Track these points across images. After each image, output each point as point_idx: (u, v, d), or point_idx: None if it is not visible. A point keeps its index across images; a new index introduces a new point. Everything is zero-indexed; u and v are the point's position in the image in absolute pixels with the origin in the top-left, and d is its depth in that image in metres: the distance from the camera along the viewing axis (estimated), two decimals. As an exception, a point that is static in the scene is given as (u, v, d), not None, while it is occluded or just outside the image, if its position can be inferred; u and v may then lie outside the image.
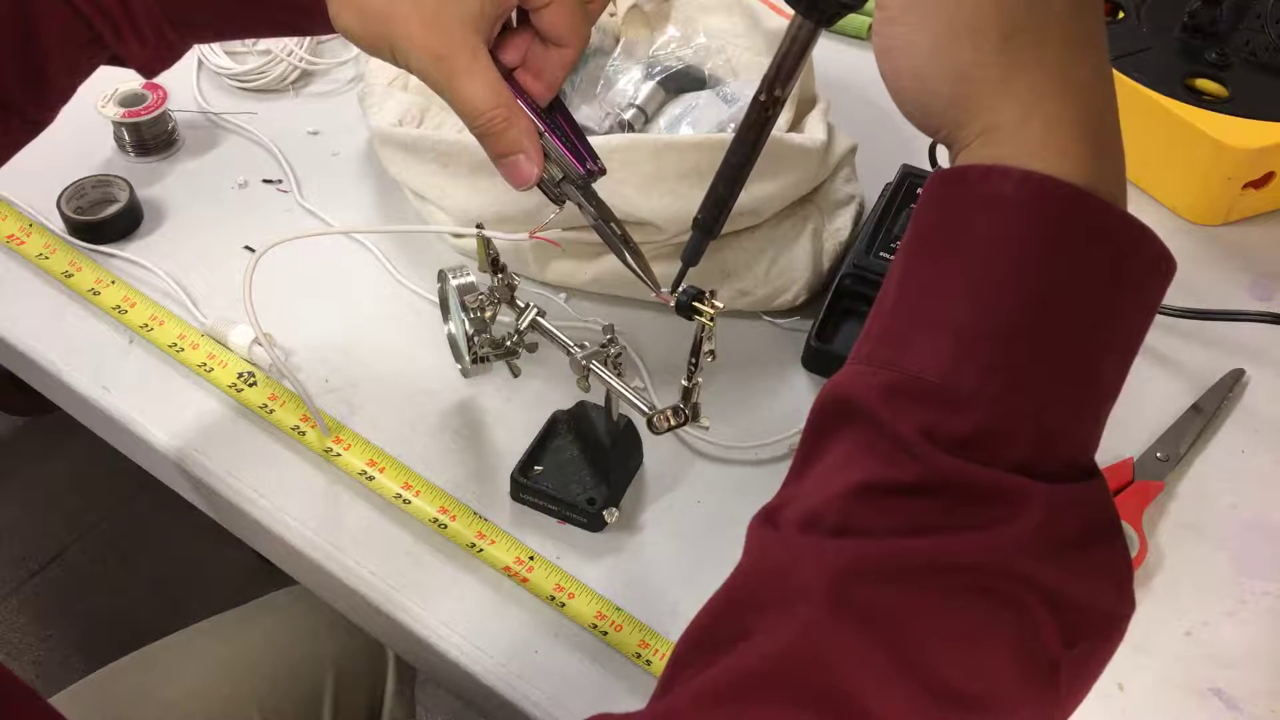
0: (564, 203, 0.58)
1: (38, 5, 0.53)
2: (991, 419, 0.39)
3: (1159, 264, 0.41)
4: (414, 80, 0.86)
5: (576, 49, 0.55)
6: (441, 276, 0.70)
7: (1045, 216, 0.39)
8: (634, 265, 0.59)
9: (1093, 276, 0.40)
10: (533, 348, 0.69)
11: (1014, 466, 0.39)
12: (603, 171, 0.58)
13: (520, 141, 0.54)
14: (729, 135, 0.74)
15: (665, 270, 0.75)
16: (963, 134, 0.41)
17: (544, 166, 0.55)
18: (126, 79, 0.79)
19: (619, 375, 0.66)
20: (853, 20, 1.03)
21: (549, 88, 0.56)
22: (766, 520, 0.43)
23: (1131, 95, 0.86)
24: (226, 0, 0.56)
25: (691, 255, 0.55)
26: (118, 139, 0.89)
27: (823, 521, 0.40)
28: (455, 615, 0.65)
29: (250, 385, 0.74)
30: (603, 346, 0.66)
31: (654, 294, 0.59)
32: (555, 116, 0.57)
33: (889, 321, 0.42)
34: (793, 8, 0.46)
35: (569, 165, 0.57)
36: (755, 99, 0.49)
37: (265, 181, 0.88)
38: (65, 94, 0.59)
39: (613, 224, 0.59)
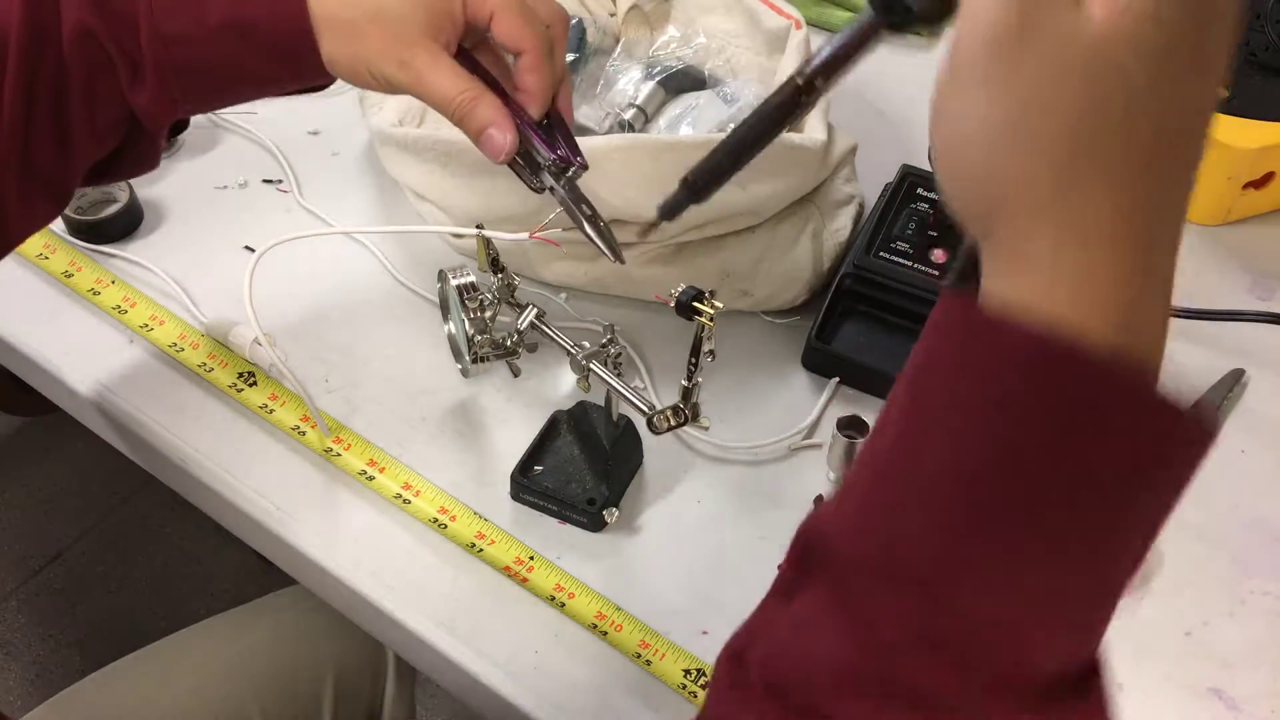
0: (543, 190, 0.62)
1: (74, 55, 0.57)
2: (975, 626, 0.35)
3: (1195, 438, 0.34)
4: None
5: (535, 52, 0.60)
6: (441, 276, 0.70)
7: (1058, 396, 0.33)
8: (597, 241, 0.61)
9: (1111, 469, 0.33)
10: (533, 348, 0.69)
11: (994, 678, 0.35)
12: (583, 167, 0.62)
13: (490, 115, 0.59)
14: (729, 135, 0.74)
15: (664, 270, 0.76)
16: (987, 242, 0.36)
17: (516, 140, 0.60)
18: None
19: (619, 375, 0.66)
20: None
21: (537, 98, 0.61)
22: (735, 659, 0.40)
23: (1131, 95, 0.86)
24: (224, 52, 0.59)
25: (669, 211, 0.51)
26: (118, 139, 0.89)
27: (790, 695, 0.37)
28: (455, 615, 0.65)
29: (250, 385, 0.74)
30: (603, 346, 0.66)
31: (614, 260, 0.61)
32: (548, 124, 0.62)
33: (881, 485, 0.37)
34: (870, 4, 0.43)
35: (540, 151, 0.61)
36: (792, 80, 0.45)
37: (265, 181, 0.88)
38: (84, 157, 0.61)
39: (584, 205, 0.62)
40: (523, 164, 0.62)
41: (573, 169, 0.61)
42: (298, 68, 0.60)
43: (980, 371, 0.34)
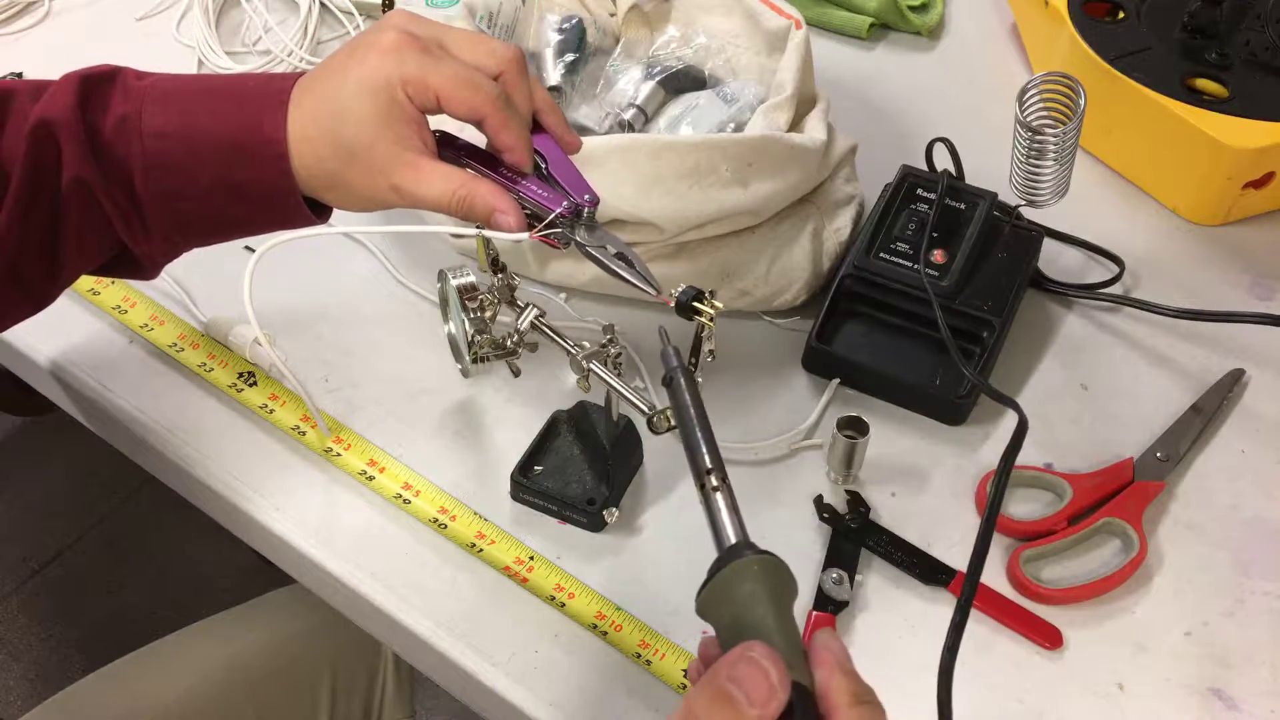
0: (568, 243, 0.61)
1: (71, 201, 0.59)
2: None
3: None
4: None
5: (494, 113, 0.58)
6: (441, 276, 0.70)
7: None
8: (632, 280, 0.60)
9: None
10: (533, 348, 0.69)
11: None
12: (594, 204, 0.60)
13: (488, 200, 0.59)
14: (729, 135, 0.74)
15: (664, 270, 0.76)
16: None
17: (521, 213, 0.59)
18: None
19: (619, 375, 0.66)
20: (852, 20, 1.03)
21: (518, 153, 0.60)
22: None
23: (1131, 95, 0.86)
24: (222, 215, 0.61)
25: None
26: (118, 139, 0.89)
27: None
28: (454, 615, 0.65)
29: (250, 385, 0.74)
30: (603, 346, 0.66)
31: (655, 295, 0.59)
32: (545, 170, 0.62)
33: None
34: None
35: (544, 211, 0.60)
36: (704, 485, 0.50)
37: (265, 181, 0.88)
38: (73, 276, 0.64)
39: (607, 245, 0.60)
40: (539, 225, 0.61)
41: (585, 211, 0.60)
42: (286, 218, 0.62)
43: None
